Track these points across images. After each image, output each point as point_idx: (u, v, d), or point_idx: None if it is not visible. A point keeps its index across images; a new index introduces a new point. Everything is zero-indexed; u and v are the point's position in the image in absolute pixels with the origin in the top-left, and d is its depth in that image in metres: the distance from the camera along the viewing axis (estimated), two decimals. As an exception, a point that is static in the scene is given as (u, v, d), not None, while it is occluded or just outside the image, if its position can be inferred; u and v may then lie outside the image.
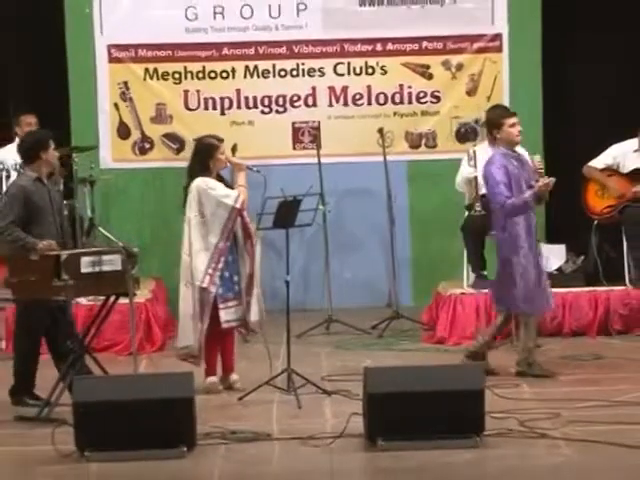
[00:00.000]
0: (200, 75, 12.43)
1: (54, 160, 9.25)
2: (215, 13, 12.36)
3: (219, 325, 9.25)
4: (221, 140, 9.42)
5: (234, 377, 9.42)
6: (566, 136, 12.13)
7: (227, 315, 9.29)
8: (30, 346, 9.01)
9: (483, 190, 11.21)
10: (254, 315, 9.37)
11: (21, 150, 9.31)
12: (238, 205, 9.17)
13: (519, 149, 11.05)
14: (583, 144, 11.77)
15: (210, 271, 9.22)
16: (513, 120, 10.64)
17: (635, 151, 11.52)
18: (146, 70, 12.41)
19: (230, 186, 9.36)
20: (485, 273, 11.27)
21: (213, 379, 9.37)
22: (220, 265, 9.23)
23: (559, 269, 11.56)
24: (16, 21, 12.19)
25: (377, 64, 12.42)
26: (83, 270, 8.70)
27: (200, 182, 9.23)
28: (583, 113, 12.30)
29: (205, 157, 9.33)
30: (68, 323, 9.10)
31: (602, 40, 12.11)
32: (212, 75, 12.44)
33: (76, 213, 11.36)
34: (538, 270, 9.64)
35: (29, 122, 11.75)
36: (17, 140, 11.73)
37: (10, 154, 11.61)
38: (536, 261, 9.62)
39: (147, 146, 12.49)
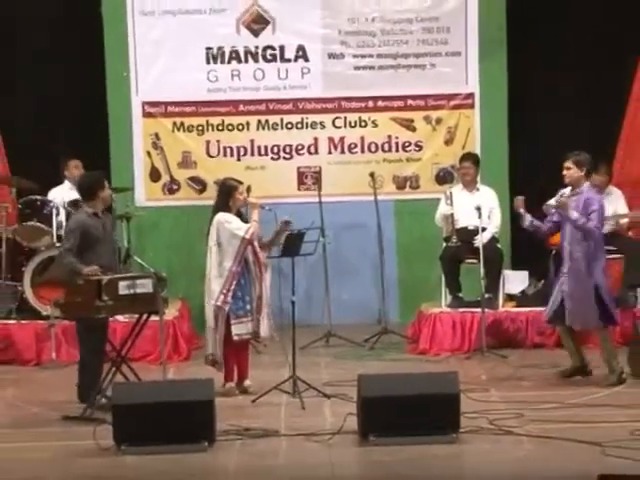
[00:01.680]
0: (220, 127, 12.44)
1: (109, 198, 9.30)
2: (232, 75, 12.38)
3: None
4: (240, 182, 9.47)
5: (247, 383, 9.40)
6: (528, 178, 12.11)
7: (238, 329, 9.28)
8: (93, 355, 8.96)
9: (458, 225, 11.28)
10: (264, 331, 9.38)
11: (81, 189, 9.35)
12: (248, 236, 9.20)
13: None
14: (543, 186, 11.74)
15: (224, 291, 9.24)
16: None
17: (586, 192, 11.55)
18: (174, 123, 12.43)
19: (247, 220, 9.39)
20: (460, 295, 11.29)
21: (231, 384, 9.37)
22: (233, 286, 9.25)
23: (522, 292, 11.59)
24: (64, 82, 12.19)
25: (369, 118, 12.42)
26: (120, 292, 8.73)
27: (220, 217, 9.29)
28: (544, 158, 12.27)
29: (226, 196, 9.39)
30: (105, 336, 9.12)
31: (560, 95, 12.15)
32: (230, 127, 12.44)
33: (115, 244, 11.36)
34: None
35: (76, 165, 11.78)
36: (66, 182, 11.81)
37: (59, 194, 11.64)
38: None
39: (175, 187, 12.50)
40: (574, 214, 9.35)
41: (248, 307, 9.31)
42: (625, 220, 11.60)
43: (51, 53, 12.17)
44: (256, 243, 9.26)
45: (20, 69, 12.24)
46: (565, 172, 9.47)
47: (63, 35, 12.14)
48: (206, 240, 9.38)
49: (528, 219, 9.66)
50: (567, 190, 9.58)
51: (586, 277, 9.39)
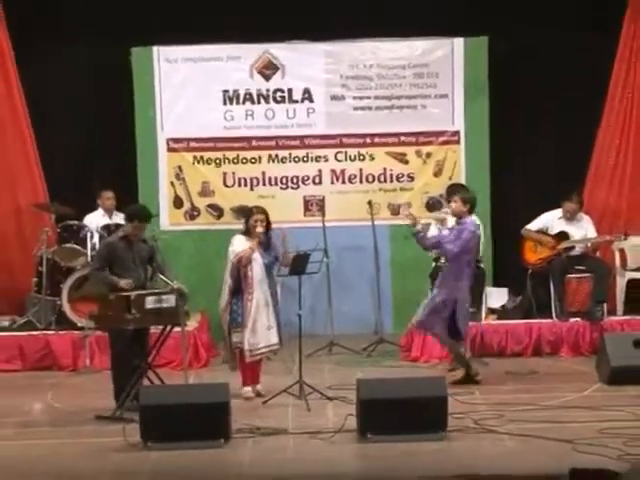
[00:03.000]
0: (235, 161, 12.44)
1: (141, 232, 9.17)
2: (246, 115, 12.39)
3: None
4: (259, 209, 9.39)
5: (259, 387, 9.40)
6: (508, 206, 12.14)
7: (235, 338, 9.26)
8: (124, 362, 8.93)
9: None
10: (275, 338, 9.35)
11: (127, 212, 9.34)
12: (234, 260, 9.19)
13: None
14: (521, 213, 11.78)
15: (225, 304, 9.26)
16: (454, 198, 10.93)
17: (560, 218, 11.54)
18: (195, 157, 12.43)
19: (267, 245, 9.34)
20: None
21: (247, 389, 9.32)
22: (232, 300, 9.24)
23: (503, 306, 11.59)
24: (99, 121, 12.23)
25: (367, 153, 12.43)
26: (147, 306, 8.76)
27: (233, 238, 9.30)
28: (522, 189, 12.32)
29: (246, 221, 9.34)
30: (144, 347, 9.09)
31: (536, 133, 12.17)
32: (244, 161, 12.44)
33: (144, 265, 11.35)
34: None
35: (108, 197, 11.81)
36: (99, 209, 11.84)
37: (94, 219, 11.67)
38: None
39: (195, 214, 12.50)
40: (430, 234, 9.68)
41: (239, 320, 9.26)
42: (593, 243, 11.58)
43: (87, 95, 12.22)
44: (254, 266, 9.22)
45: (60, 109, 12.26)
46: (452, 204, 9.62)
47: (97, 80, 12.17)
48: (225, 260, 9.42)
49: (419, 227, 9.67)
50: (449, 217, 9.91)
51: (449, 293, 9.54)
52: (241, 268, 9.20)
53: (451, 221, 9.96)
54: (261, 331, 9.25)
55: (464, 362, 9.75)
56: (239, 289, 9.25)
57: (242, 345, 9.22)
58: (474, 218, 9.86)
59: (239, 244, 9.25)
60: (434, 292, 9.78)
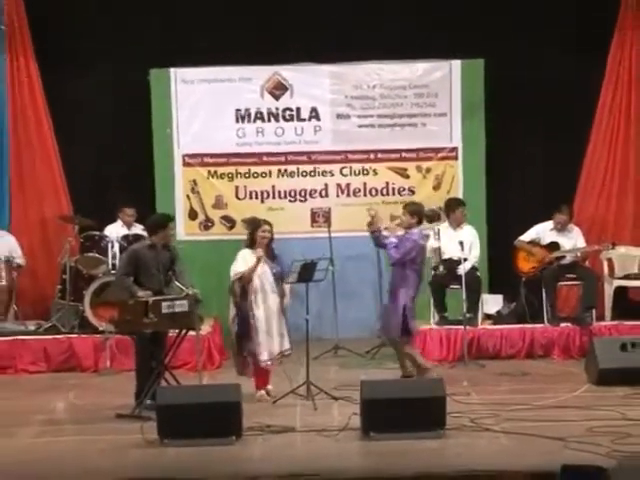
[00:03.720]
0: (247, 175, 12.44)
1: (168, 237, 9.20)
2: (257, 132, 12.41)
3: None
4: (267, 222, 9.36)
5: (269, 387, 9.39)
6: (503, 219, 12.13)
7: (248, 346, 9.20)
8: (147, 362, 8.96)
9: (444, 256, 11.28)
10: (287, 344, 9.34)
11: (147, 224, 9.37)
12: (234, 279, 9.16)
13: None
14: (515, 225, 11.77)
15: (232, 316, 9.25)
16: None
17: (551, 229, 11.54)
18: (209, 172, 12.44)
19: (274, 256, 9.33)
20: (446, 315, 11.28)
21: (262, 392, 9.27)
22: (238, 312, 9.23)
23: (498, 312, 11.57)
24: (119, 137, 12.23)
25: (370, 168, 12.43)
26: (163, 311, 8.77)
27: (239, 253, 9.27)
28: (515, 202, 12.31)
29: (252, 233, 9.31)
30: (162, 350, 9.09)
31: (529, 148, 12.18)
32: (255, 175, 12.44)
33: (164, 272, 11.33)
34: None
35: (130, 214, 11.80)
36: (119, 220, 11.85)
37: (114, 230, 11.68)
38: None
39: (209, 224, 12.51)
40: (389, 238, 9.70)
41: (249, 330, 9.21)
42: (583, 253, 11.58)
43: (109, 114, 12.24)
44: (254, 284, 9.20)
45: (83, 128, 12.29)
46: (402, 217, 9.72)
47: (118, 99, 12.21)
48: None
49: (381, 227, 9.78)
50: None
51: (394, 298, 9.63)
52: (240, 286, 9.18)
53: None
54: (276, 338, 9.24)
55: (413, 360, 9.73)
56: (245, 302, 9.20)
57: (255, 353, 9.16)
58: (444, 225, 10.31)
59: (242, 261, 9.19)
60: (389, 299, 9.82)
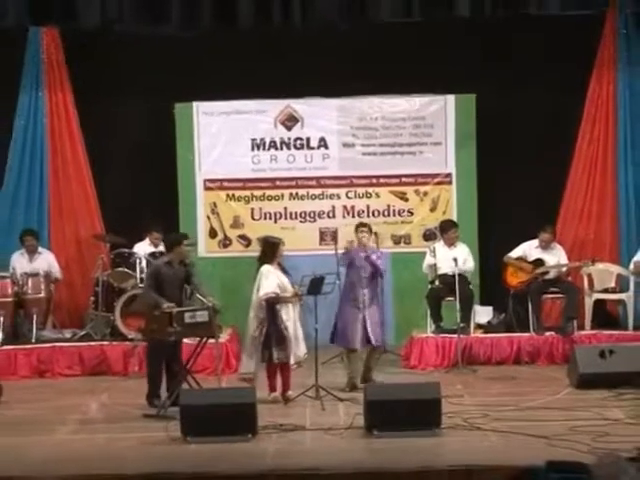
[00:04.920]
0: (261, 198, 12.45)
1: (183, 254, 9.25)
2: (271, 159, 12.41)
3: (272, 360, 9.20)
4: (283, 242, 9.47)
5: (290, 393, 9.28)
6: (493, 237, 12.12)
7: (278, 354, 9.19)
8: (156, 369, 9.03)
9: (440, 272, 11.28)
10: (305, 348, 9.31)
11: (164, 243, 9.44)
12: (262, 296, 9.14)
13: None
14: (504, 243, 11.77)
15: (257, 333, 9.19)
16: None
17: (536, 247, 11.55)
18: (227, 195, 12.45)
19: (286, 271, 9.34)
20: (442, 324, 11.27)
21: (275, 394, 9.25)
22: (265, 324, 9.17)
23: (488, 322, 11.56)
24: (146, 163, 12.25)
25: (373, 191, 12.42)
26: (186, 321, 8.79)
27: (264, 268, 9.27)
28: (504, 222, 12.27)
29: (272, 250, 9.34)
30: (178, 356, 9.13)
31: (517, 174, 12.14)
32: (269, 198, 12.45)
33: (182, 287, 11.34)
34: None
35: (157, 237, 11.77)
36: (147, 239, 11.86)
37: (142, 248, 11.71)
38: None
39: (227, 243, 12.51)
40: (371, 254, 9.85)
41: (277, 339, 9.20)
42: (565, 269, 11.59)
43: (138, 143, 12.26)
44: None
45: (114, 154, 12.33)
46: (365, 235, 9.90)
47: (146, 129, 12.22)
48: (253, 283, 9.40)
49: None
50: None
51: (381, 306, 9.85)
52: (266, 302, 9.16)
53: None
54: (301, 343, 9.26)
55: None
56: (272, 313, 9.17)
57: (287, 360, 9.13)
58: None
59: (272, 279, 9.16)
60: (379, 308, 9.88)
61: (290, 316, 9.22)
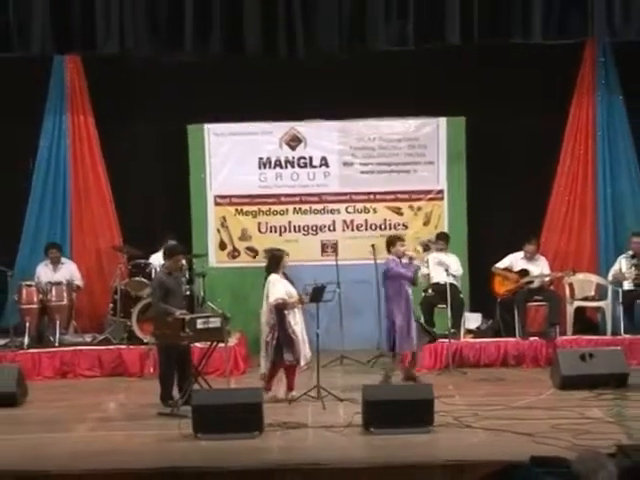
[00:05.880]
0: (267, 213, 12.43)
1: (178, 266, 9.30)
2: (276, 177, 12.40)
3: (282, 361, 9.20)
4: (286, 252, 9.50)
5: (293, 393, 9.29)
6: (482, 249, 12.12)
7: (287, 356, 9.22)
8: (168, 371, 9.04)
9: (432, 281, 11.29)
10: (309, 352, 9.30)
11: (164, 252, 9.45)
12: (272, 302, 9.16)
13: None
14: (492, 255, 11.77)
15: (269, 338, 9.19)
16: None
17: (522, 258, 11.56)
18: (236, 210, 12.43)
19: (291, 280, 9.36)
20: (434, 330, 11.23)
21: (271, 393, 9.20)
22: (275, 329, 9.20)
23: (477, 328, 11.56)
24: (162, 180, 12.29)
25: (371, 207, 12.40)
26: (198, 327, 8.79)
27: (272, 277, 9.28)
28: (492, 235, 12.27)
29: (277, 261, 9.37)
30: (189, 359, 9.13)
31: (504, 191, 12.13)
32: (274, 213, 12.43)
33: (194, 293, 11.41)
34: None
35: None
36: (161, 251, 11.84)
37: (157, 259, 11.58)
38: None
39: (236, 254, 12.48)
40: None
41: (287, 342, 9.22)
42: (548, 278, 11.59)
43: (153, 162, 12.28)
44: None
45: (132, 172, 12.35)
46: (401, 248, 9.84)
47: (161, 149, 12.27)
48: (262, 291, 9.40)
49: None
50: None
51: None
52: (275, 308, 9.17)
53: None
54: (306, 345, 9.26)
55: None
56: (282, 319, 9.17)
57: (297, 362, 9.14)
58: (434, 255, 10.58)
59: (280, 286, 9.20)
60: (410, 315, 9.77)
61: (297, 320, 9.25)
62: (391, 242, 9.96)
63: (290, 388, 9.29)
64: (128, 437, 8.13)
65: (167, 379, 9.02)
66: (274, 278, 9.25)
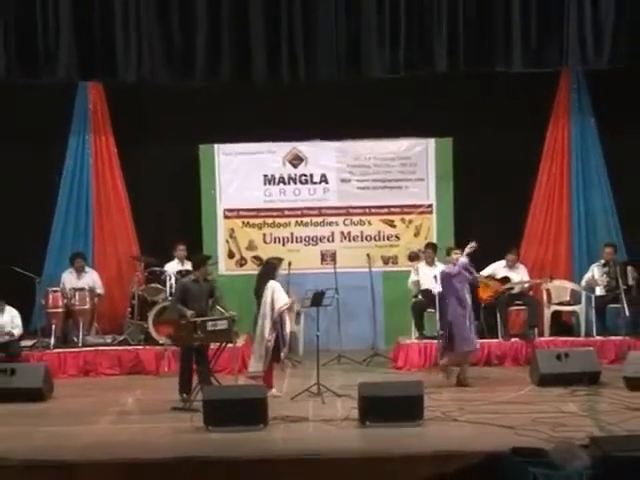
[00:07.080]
0: (272, 225, 12.41)
1: (208, 271, 9.38)
2: (280, 193, 12.38)
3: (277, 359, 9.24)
4: (281, 259, 9.51)
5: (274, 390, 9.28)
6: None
7: (283, 354, 9.25)
8: (186, 368, 9.02)
9: (422, 287, 11.28)
10: (301, 350, 9.35)
11: (192, 263, 9.47)
12: (283, 307, 9.22)
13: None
14: (476, 263, 11.69)
15: (272, 336, 9.21)
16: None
17: (503, 266, 11.56)
18: (243, 222, 12.41)
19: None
20: (424, 332, 11.25)
21: (273, 391, 9.22)
22: (275, 330, 9.22)
23: (464, 330, 11.53)
24: (175, 197, 12.28)
25: (366, 220, 12.38)
26: (208, 329, 8.83)
27: (273, 283, 9.30)
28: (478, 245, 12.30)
29: (274, 269, 9.40)
30: (206, 358, 9.12)
31: (490, 206, 12.04)
32: (278, 225, 12.42)
33: (206, 300, 11.32)
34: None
35: (181, 249, 11.83)
36: (175, 259, 11.87)
37: (171, 267, 11.67)
38: None
39: (243, 262, 12.48)
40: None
41: (283, 342, 9.27)
42: (527, 285, 11.60)
43: (167, 178, 12.25)
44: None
45: (148, 188, 12.34)
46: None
47: (175, 167, 12.25)
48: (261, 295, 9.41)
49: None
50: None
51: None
52: (279, 313, 9.22)
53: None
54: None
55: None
56: (281, 321, 9.23)
57: (286, 358, 9.29)
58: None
59: (283, 292, 9.29)
60: (470, 316, 9.77)
61: (288, 322, 9.30)
62: (447, 252, 10.06)
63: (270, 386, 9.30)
64: (145, 429, 8.14)
65: (183, 373, 9.02)
66: (275, 284, 9.29)
